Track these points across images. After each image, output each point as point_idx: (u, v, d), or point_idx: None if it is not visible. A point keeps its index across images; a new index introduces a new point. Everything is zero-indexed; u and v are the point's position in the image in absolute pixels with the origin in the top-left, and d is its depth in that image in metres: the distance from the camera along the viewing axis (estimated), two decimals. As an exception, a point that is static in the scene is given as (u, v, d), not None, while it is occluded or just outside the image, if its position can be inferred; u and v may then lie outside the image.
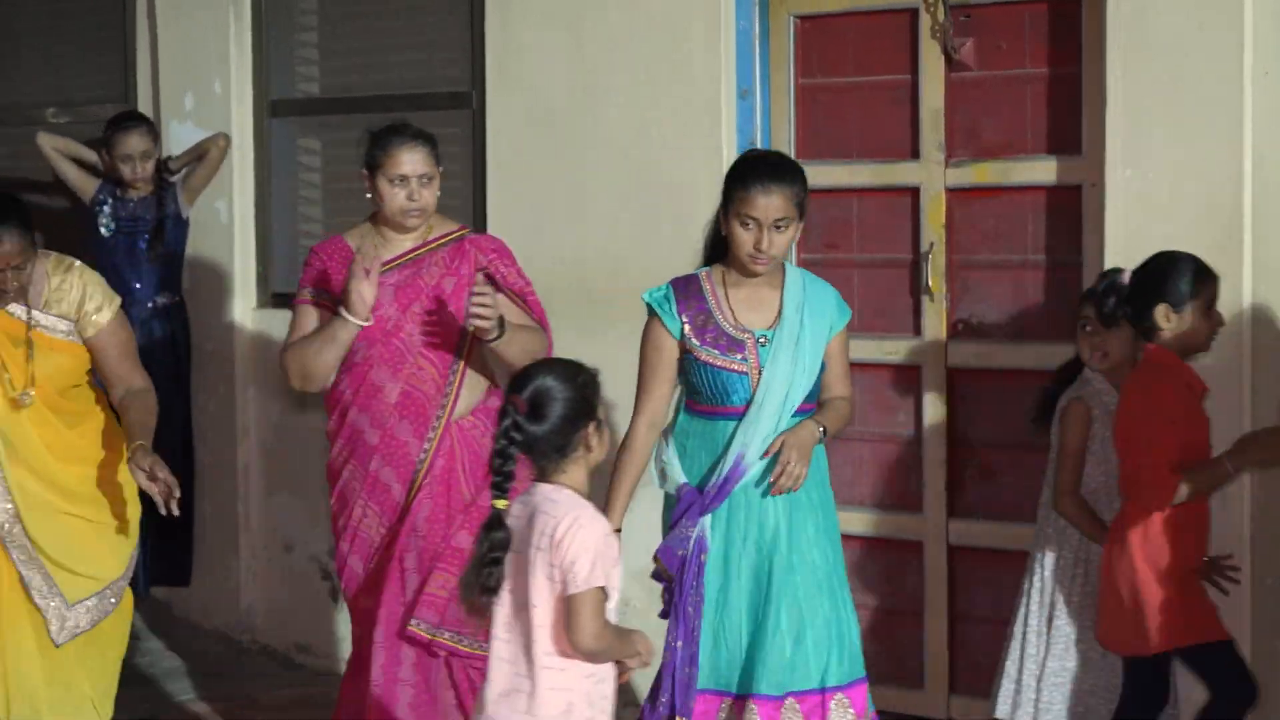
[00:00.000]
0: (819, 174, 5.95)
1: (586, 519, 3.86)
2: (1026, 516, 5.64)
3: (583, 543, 3.81)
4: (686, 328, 4.72)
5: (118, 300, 5.15)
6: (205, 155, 6.98)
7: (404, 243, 5.19)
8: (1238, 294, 5.04)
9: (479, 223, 6.47)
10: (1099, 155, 5.30)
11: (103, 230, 7.02)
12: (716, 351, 4.69)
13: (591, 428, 3.95)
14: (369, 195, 5.22)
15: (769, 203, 4.64)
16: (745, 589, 4.67)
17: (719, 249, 4.79)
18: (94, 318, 5.08)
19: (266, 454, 7.03)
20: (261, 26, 7.02)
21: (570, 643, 3.80)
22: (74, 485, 5.08)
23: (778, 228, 4.64)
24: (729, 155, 5.92)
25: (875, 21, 5.84)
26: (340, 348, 5.00)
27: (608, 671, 3.89)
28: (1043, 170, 5.56)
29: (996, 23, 5.64)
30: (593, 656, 3.83)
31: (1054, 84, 5.55)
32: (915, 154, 5.78)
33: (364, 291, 4.90)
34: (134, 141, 6.94)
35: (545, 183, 6.29)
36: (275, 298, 7.05)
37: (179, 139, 7.14)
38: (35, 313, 5.03)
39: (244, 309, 7.06)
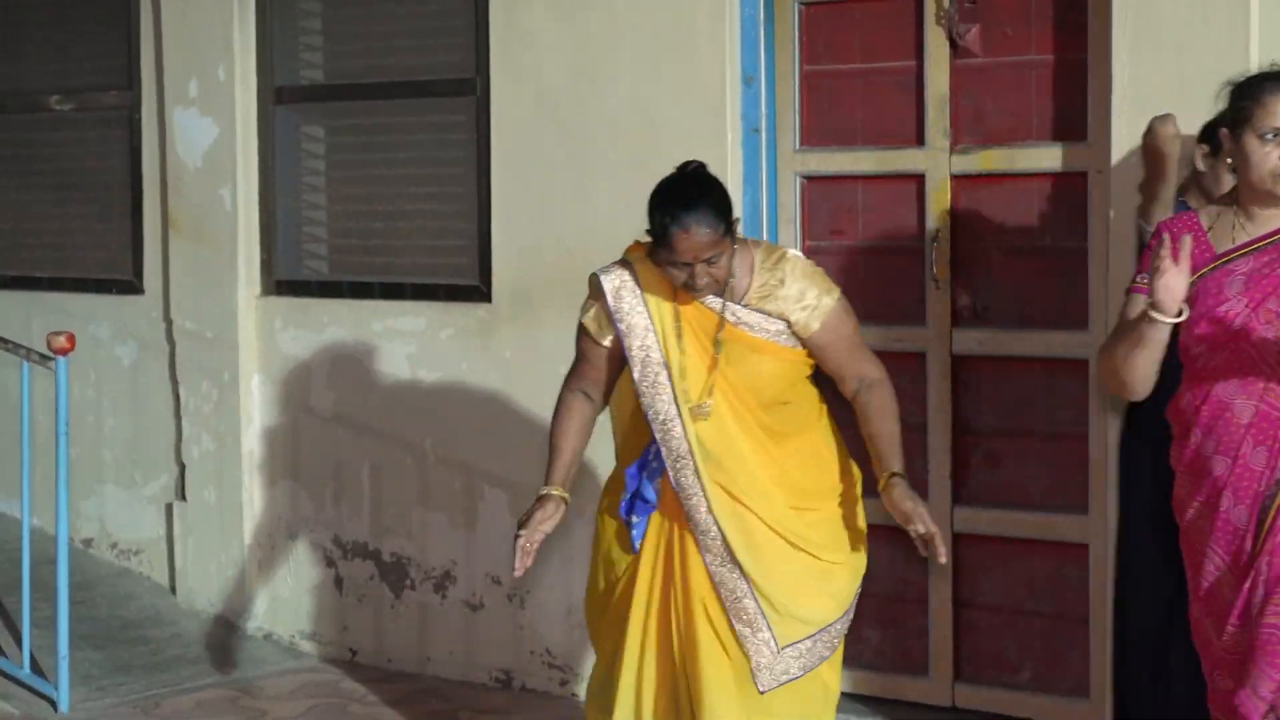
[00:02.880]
0: (823, 161, 5.95)
1: None
2: (1031, 504, 5.65)
3: None
4: None
5: (837, 288, 4.50)
6: None
7: (1272, 220, 4.04)
8: (1244, 281, 5.03)
9: (483, 210, 6.47)
10: (1105, 142, 5.29)
11: None
12: None
13: None
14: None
15: None
16: None
17: None
18: (815, 312, 4.44)
19: (270, 442, 7.03)
20: (266, 13, 7.01)
21: None
22: (783, 514, 4.48)
23: None
24: (733, 142, 5.91)
25: (880, 7, 5.83)
26: (1153, 349, 3.93)
27: None
28: (1048, 157, 5.55)
29: (1002, 8, 5.62)
30: None
31: (1060, 70, 5.54)
32: (920, 141, 5.77)
33: (1171, 282, 3.85)
34: None
35: (550, 170, 6.28)
36: (279, 285, 7.04)
37: (183, 126, 7.14)
38: (735, 307, 4.42)
39: (248, 296, 7.05)
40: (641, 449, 4.56)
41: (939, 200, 5.73)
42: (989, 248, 5.71)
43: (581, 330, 4.60)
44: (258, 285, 7.08)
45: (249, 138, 7.04)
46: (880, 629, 5.92)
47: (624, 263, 4.53)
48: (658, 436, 4.46)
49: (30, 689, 6.29)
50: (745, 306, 4.42)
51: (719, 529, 4.41)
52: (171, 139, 7.18)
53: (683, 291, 4.39)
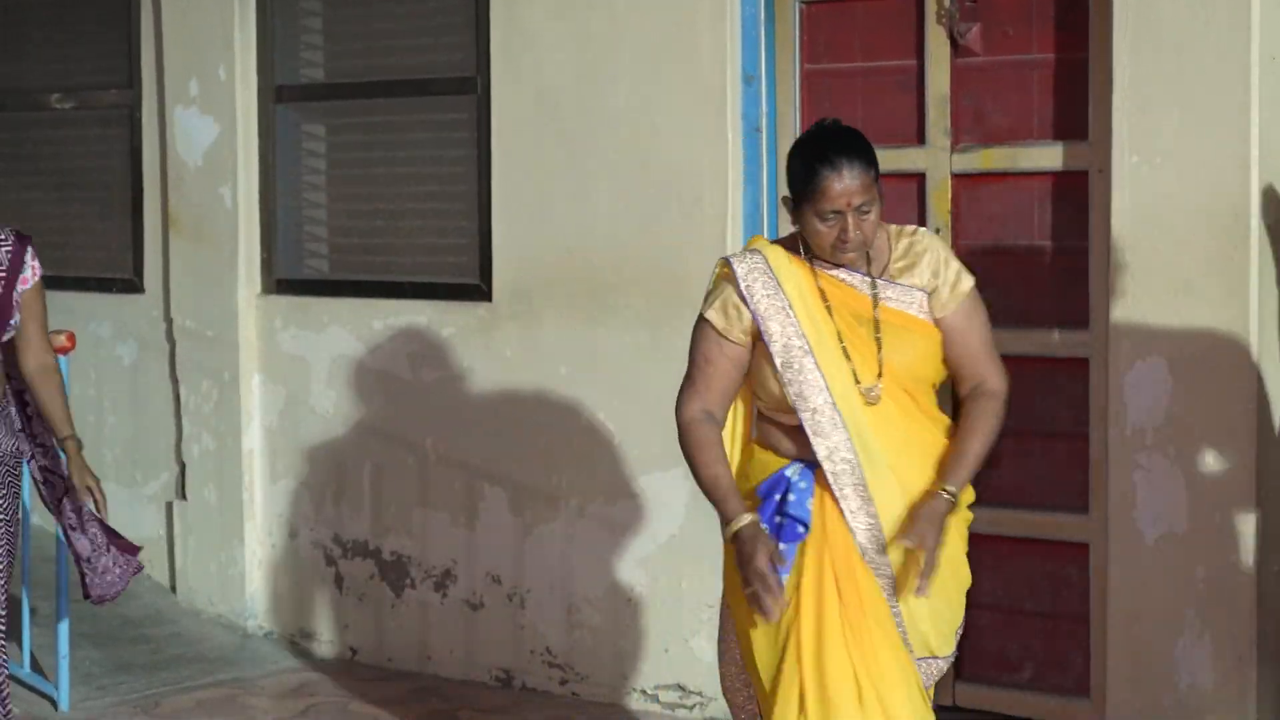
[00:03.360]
0: (825, 160, 5.95)
1: None
2: (1030, 503, 5.65)
3: None
4: None
5: (971, 277, 4.21)
6: None
7: None
8: (1244, 278, 5.03)
9: (484, 209, 6.47)
10: (1106, 141, 5.29)
11: None
12: None
13: None
14: None
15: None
16: None
17: None
18: (955, 291, 4.15)
19: (271, 440, 7.03)
20: (266, 12, 7.01)
21: None
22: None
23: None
24: (734, 141, 5.91)
25: (881, 6, 5.83)
26: None
27: None
28: (1049, 156, 5.55)
29: (1002, 8, 5.62)
30: None
31: (1061, 69, 5.54)
32: (921, 140, 5.77)
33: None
34: None
35: (550, 169, 6.28)
36: (280, 284, 7.04)
37: (184, 125, 7.14)
38: (880, 282, 4.13)
39: (248, 295, 7.05)
40: (768, 467, 4.17)
41: (940, 199, 5.73)
42: (989, 247, 5.70)
43: (704, 328, 4.18)
44: (258, 284, 7.08)
45: (249, 136, 7.04)
46: (881, 628, 5.92)
47: (750, 250, 4.19)
48: (807, 426, 4.05)
49: (30, 688, 6.29)
50: (889, 281, 4.12)
51: (869, 515, 4.05)
52: (172, 138, 7.18)
53: (829, 260, 4.06)
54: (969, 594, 5.78)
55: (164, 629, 7.05)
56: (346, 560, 6.86)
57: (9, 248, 5.20)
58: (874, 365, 4.06)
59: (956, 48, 5.68)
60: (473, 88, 6.52)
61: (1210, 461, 5.11)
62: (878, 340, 4.07)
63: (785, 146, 5.95)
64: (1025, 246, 5.65)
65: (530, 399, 6.34)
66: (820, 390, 4.04)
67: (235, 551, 7.08)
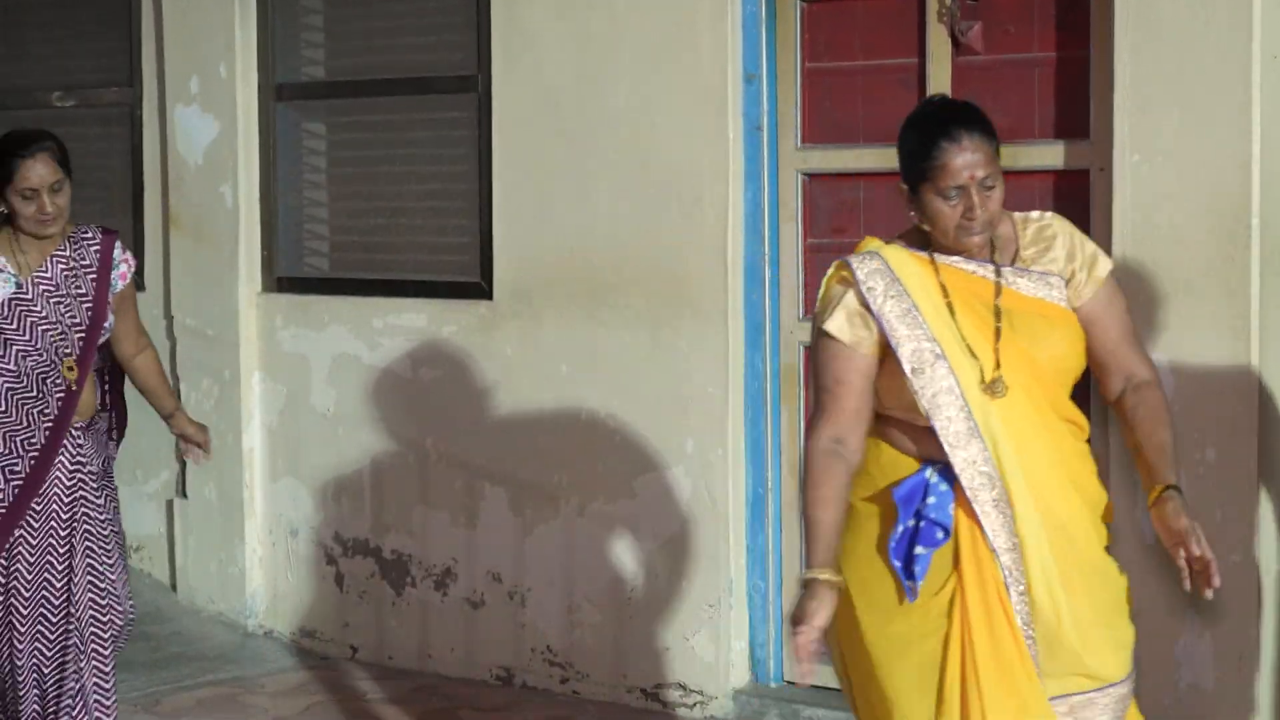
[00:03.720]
0: (825, 158, 5.94)
1: None
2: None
3: None
4: None
5: (1109, 260, 3.91)
6: None
7: None
8: (1245, 277, 5.02)
9: (484, 209, 6.46)
10: (1107, 140, 5.28)
11: None
12: None
13: None
14: None
15: None
16: None
17: None
18: (1091, 275, 3.82)
19: (271, 439, 7.02)
20: (267, 10, 7.00)
21: None
22: (1088, 525, 3.78)
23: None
24: (735, 141, 5.91)
25: (882, 5, 5.82)
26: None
27: None
28: (1050, 155, 5.54)
29: (1003, 6, 5.62)
30: None
31: (1062, 68, 5.53)
32: (922, 139, 5.75)
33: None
34: None
35: (551, 167, 6.27)
36: (280, 282, 7.04)
37: (184, 123, 7.13)
38: (1010, 270, 3.78)
39: (248, 294, 7.05)
40: (899, 467, 3.83)
41: (940, 198, 5.72)
42: (990, 246, 5.70)
43: (830, 345, 3.79)
44: (259, 282, 7.08)
45: (250, 135, 7.04)
46: (881, 627, 5.92)
47: (866, 253, 3.83)
48: (941, 436, 3.70)
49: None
50: (1021, 269, 3.79)
51: (1010, 534, 3.69)
52: (172, 136, 7.17)
53: (952, 247, 3.76)
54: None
55: (164, 627, 7.05)
56: (347, 559, 6.86)
57: (96, 246, 5.12)
58: (993, 358, 3.70)
59: (958, 46, 5.68)
60: (473, 86, 6.51)
61: (1210, 461, 5.10)
62: (997, 330, 3.72)
63: (787, 145, 5.97)
64: (1026, 245, 5.64)
65: (530, 398, 6.34)
66: (955, 396, 3.70)
67: (235, 550, 7.08)
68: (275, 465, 7.03)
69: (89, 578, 5.05)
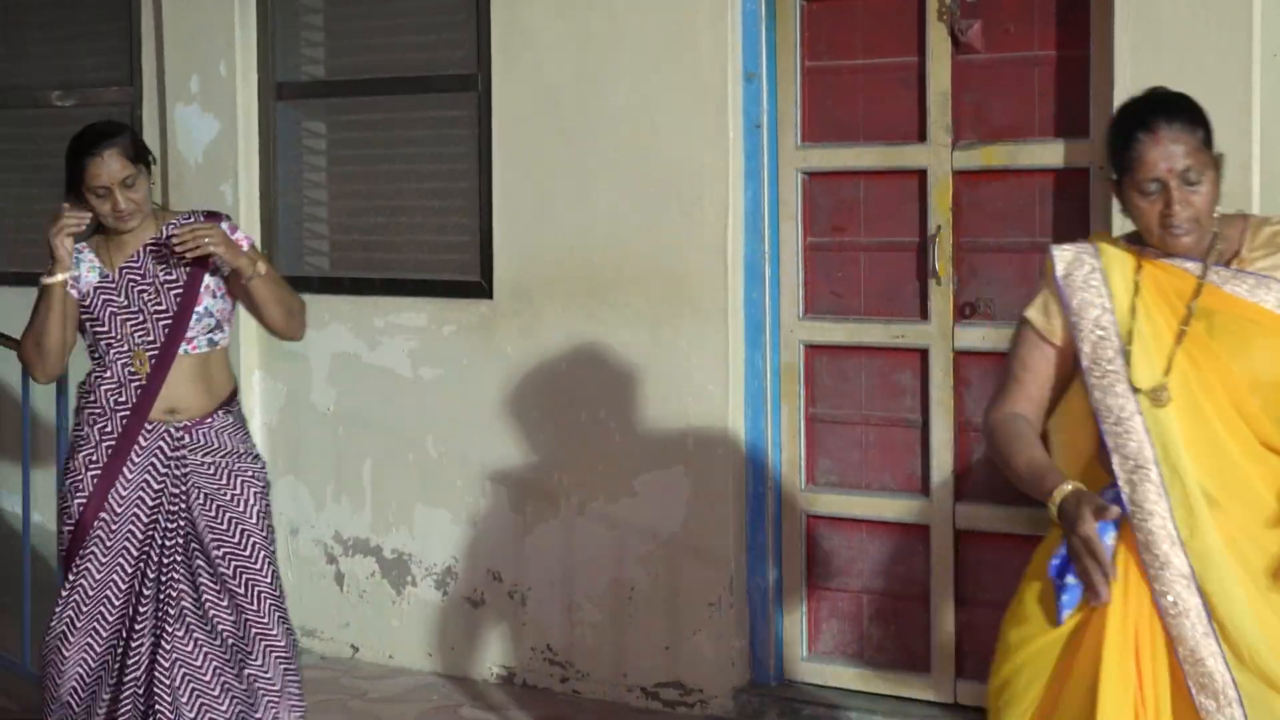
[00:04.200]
0: (825, 157, 5.95)
1: None
2: (1034, 500, 5.63)
3: None
4: None
5: None
6: None
7: None
8: (1246, 278, 5.03)
9: (484, 206, 6.46)
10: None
11: None
12: None
13: None
14: None
15: None
16: None
17: None
18: None
19: (271, 438, 7.02)
20: (267, 9, 7.00)
21: None
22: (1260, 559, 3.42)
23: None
24: (735, 139, 5.91)
25: (882, 4, 5.82)
26: None
27: None
28: (1050, 153, 5.55)
29: (1003, 5, 5.62)
30: None
31: (1062, 66, 5.53)
32: (922, 137, 5.76)
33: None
34: None
35: (551, 166, 6.27)
36: (280, 281, 7.04)
37: (184, 122, 7.13)
38: (1223, 269, 3.49)
39: (249, 292, 7.04)
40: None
41: (941, 196, 5.73)
42: (991, 244, 5.70)
43: (1024, 330, 3.65)
44: (259, 281, 7.07)
45: (250, 134, 7.04)
46: (882, 626, 5.92)
47: (1079, 243, 3.67)
48: (1110, 444, 3.48)
49: (31, 684, 6.28)
50: (1239, 270, 3.48)
51: (1184, 555, 3.39)
52: (173, 135, 7.17)
53: (1159, 248, 3.53)
54: (969, 590, 5.80)
55: (165, 626, 7.04)
56: (347, 558, 6.86)
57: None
58: (1164, 362, 3.44)
59: (958, 45, 5.68)
60: (473, 85, 6.51)
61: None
62: (1181, 331, 3.45)
63: (787, 143, 5.97)
64: (1026, 243, 5.64)
65: (531, 397, 6.34)
66: (1124, 394, 3.47)
67: (236, 549, 7.08)
68: (275, 464, 7.02)
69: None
